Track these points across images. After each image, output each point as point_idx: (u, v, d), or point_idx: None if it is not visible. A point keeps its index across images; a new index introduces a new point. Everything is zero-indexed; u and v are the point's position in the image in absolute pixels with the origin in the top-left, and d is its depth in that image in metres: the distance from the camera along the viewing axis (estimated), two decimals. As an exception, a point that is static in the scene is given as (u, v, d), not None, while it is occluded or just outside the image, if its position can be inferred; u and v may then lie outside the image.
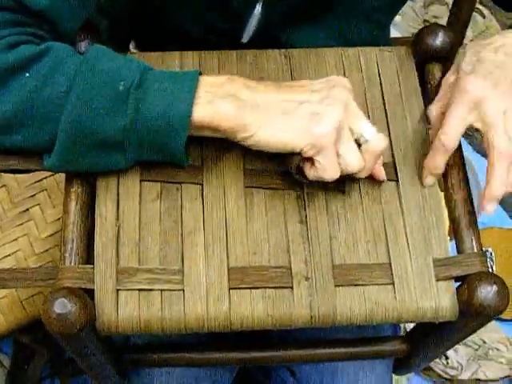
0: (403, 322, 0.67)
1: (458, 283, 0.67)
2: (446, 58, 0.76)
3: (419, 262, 0.67)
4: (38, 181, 0.98)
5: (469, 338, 1.46)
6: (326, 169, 0.64)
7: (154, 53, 0.76)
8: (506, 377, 1.44)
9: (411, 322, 0.67)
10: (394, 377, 1.22)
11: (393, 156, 0.71)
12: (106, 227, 0.67)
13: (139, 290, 0.65)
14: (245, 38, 0.81)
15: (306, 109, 0.63)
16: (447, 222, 0.70)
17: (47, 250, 0.95)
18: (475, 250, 0.67)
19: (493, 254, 1.46)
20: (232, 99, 0.63)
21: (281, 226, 0.68)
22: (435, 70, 0.76)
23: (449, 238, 0.70)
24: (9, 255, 0.85)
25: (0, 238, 0.90)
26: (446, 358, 1.42)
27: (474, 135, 1.64)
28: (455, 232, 0.69)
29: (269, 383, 0.94)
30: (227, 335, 0.80)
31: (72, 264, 0.65)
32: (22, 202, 0.89)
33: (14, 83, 0.61)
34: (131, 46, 0.97)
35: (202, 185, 0.69)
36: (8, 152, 0.66)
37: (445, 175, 0.71)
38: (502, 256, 1.55)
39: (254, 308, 0.65)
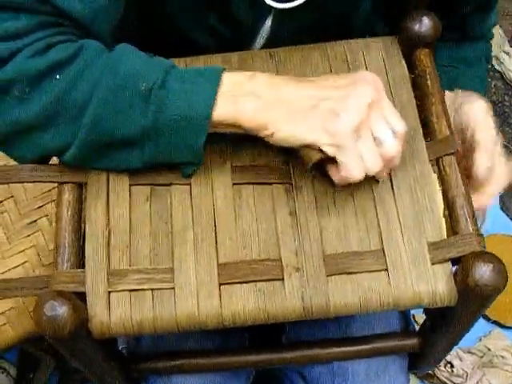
0: (400, 308, 0.65)
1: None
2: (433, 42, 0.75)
3: (413, 246, 0.65)
4: (46, 192, 0.97)
5: (474, 346, 1.44)
6: (349, 168, 0.63)
7: None
8: (510, 384, 1.41)
9: (409, 308, 0.66)
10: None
11: None
12: (96, 231, 0.67)
13: (130, 290, 0.65)
14: (257, 46, 0.82)
15: (326, 105, 0.62)
16: (442, 204, 0.68)
17: (55, 261, 0.94)
18: (470, 231, 0.65)
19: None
20: (252, 98, 0.63)
21: (270, 219, 0.67)
22: (422, 55, 0.75)
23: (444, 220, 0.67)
24: (17, 266, 0.86)
25: (8, 249, 0.90)
26: (452, 365, 1.39)
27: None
28: (450, 213, 0.67)
29: (280, 388, 0.93)
30: (235, 339, 0.80)
31: (64, 269, 0.66)
32: (29, 213, 0.89)
33: (45, 85, 0.63)
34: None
35: (191, 184, 0.69)
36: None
37: (437, 157, 0.69)
38: (507, 263, 1.50)
39: (245, 302, 0.64)
